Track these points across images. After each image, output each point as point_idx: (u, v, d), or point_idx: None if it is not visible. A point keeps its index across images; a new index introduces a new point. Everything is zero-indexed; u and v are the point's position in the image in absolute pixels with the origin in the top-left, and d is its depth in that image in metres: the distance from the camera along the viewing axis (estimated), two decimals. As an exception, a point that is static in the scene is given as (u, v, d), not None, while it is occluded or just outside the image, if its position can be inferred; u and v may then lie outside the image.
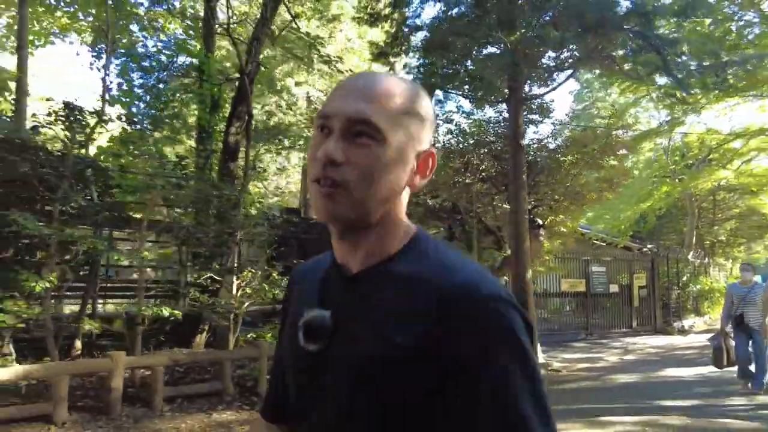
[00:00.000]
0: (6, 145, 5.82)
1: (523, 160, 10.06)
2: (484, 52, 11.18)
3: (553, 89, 10.17)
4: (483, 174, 11.68)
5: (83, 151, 6.41)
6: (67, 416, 4.84)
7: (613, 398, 6.69)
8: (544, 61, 9.97)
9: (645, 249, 16.68)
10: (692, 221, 19.55)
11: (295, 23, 9.34)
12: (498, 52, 10.26)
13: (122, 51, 8.65)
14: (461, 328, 0.67)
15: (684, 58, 7.55)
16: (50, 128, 5.89)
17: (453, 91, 11.81)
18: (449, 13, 11.84)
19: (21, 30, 9.43)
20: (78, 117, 6.11)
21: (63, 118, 5.98)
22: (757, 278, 7.56)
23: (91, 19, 12.12)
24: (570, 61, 9.79)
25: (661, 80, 10.23)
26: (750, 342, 6.67)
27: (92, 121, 6.36)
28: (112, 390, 5.16)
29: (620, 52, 9.08)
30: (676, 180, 18.70)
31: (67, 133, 6.11)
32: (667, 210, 19.68)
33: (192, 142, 12.86)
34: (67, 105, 6.01)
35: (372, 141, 0.72)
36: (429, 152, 0.80)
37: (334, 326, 0.76)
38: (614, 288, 14.86)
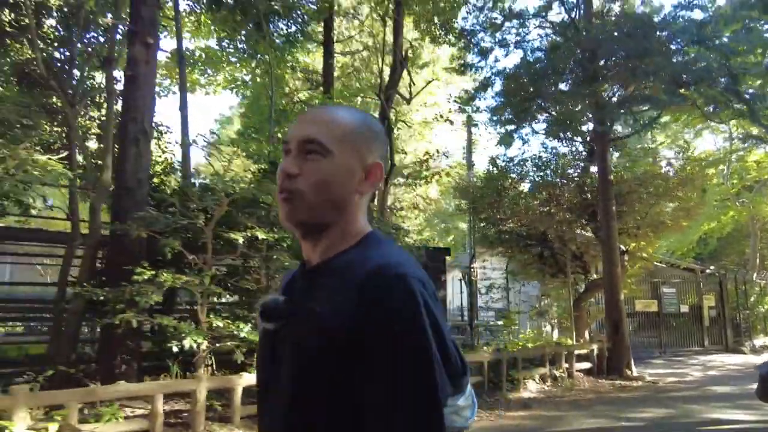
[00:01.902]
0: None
1: (612, 194, 11.22)
2: (562, 87, 12.46)
3: (637, 132, 11.34)
4: (565, 205, 12.80)
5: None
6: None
7: (724, 404, 7.70)
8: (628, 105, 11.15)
9: (708, 270, 17.45)
10: (755, 242, 20.14)
11: (411, 81, 10.83)
12: (581, 93, 11.50)
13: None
14: (370, 303, 0.76)
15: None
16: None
17: (537, 131, 13.09)
18: (527, 59, 13.24)
19: (182, 91, 11.18)
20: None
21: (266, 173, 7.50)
22: None
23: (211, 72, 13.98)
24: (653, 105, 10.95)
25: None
26: None
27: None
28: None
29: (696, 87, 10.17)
30: (737, 204, 19.43)
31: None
32: (728, 232, 20.36)
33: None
34: (272, 162, 7.52)
35: (320, 156, 0.86)
36: (376, 164, 0.92)
37: (288, 309, 0.89)
38: (684, 308, 15.72)
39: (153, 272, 5.21)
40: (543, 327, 14.48)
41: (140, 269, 5.20)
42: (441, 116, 11.40)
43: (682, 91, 8.89)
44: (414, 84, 11.28)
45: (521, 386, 8.52)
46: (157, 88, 15.09)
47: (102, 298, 5.20)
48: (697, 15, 10.32)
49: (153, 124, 7.35)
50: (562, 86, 12.48)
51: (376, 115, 10.10)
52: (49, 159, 5.84)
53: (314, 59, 14.99)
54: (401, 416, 0.72)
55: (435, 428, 0.73)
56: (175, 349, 5.35)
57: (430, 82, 10.88)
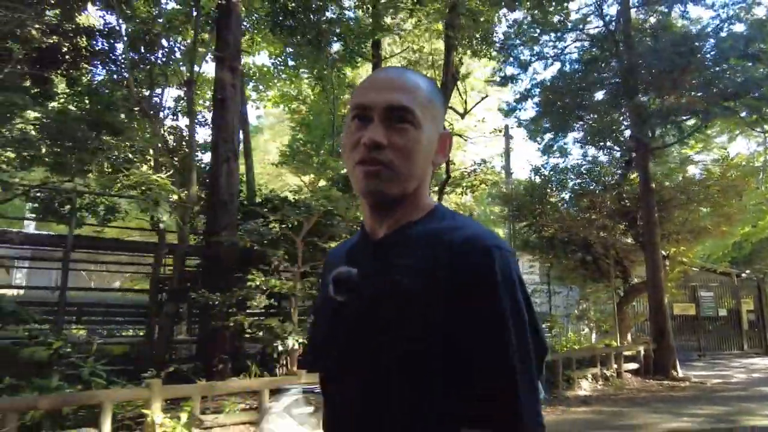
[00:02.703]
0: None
1: (654, 201, 11.59)
2: (599, 97, 12.90)
3: (680, 141, 11.70)
4: (605, 212, 13.16)
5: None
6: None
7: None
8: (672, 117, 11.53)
9: (744, 274, 17.60)
10: (789, 246, 20.16)
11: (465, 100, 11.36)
12: (620, 104, 11.93)
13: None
14: (466, 271, 0.78)
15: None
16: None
17: (577, 140, 13.52)
18: (565, 70, 13.70)
19: (242, 107, 11.87)
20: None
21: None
22: None
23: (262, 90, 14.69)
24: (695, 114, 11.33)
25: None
26: None
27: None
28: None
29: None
30: (772, 207, 19.55)
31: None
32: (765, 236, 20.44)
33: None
34: (347, 177, 8.11)
35: (410, 126, 0.84)
36: (447, 134, 0.93)
37: (359, 280, 0.89)
38: (722, 312, 15.95)
39: (263, 278, 5.80)
40: (582, 330, 14.81)
41: (251, 276, 5.80)
42: (499, 130, 11.89)
43: (726, 102, 9.28)
44: (465, 100, 11.83)
45: (576, 385, 8.96)
46: (208, 102, 15.94)
47: (217, 302, 5.80)
48: (738, 27, 10.70)
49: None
50: (599, 96, 12.93)
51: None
52: (160, 177, 6.49)
53: (356, 74, 15.61)
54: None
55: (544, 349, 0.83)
56: (280, 348, 5.93)
57: (484, 98, 11.42)
